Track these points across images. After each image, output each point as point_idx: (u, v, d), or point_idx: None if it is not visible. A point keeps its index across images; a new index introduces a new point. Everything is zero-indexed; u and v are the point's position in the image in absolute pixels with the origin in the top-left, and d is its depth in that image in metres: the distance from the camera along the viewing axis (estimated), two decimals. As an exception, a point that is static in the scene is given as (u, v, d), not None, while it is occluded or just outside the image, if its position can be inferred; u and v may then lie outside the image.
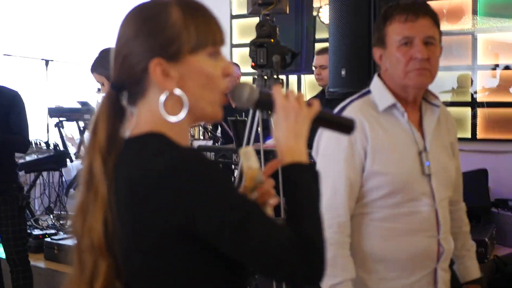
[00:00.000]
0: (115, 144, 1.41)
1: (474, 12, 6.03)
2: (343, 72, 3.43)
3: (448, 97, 6.30)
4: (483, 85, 6.11)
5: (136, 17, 1.42)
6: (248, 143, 3.81)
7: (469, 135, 6.11)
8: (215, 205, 1.29)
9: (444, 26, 6.08)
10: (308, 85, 6.96)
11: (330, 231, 1.98)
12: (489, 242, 4.87)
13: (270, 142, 4.23)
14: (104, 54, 3.79)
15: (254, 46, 3.29)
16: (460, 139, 6.16)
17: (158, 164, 1.31)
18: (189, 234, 1.31)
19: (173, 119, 1.39)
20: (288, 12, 3.37)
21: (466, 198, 5.35)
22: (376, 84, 2.28)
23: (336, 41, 3.53)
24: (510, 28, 5.92)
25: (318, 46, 6.60)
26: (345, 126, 1.57)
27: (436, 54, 2.21)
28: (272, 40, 3.25)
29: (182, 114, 1.39)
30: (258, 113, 3.76)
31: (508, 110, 5.96)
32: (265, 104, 1.49)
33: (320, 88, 5.37)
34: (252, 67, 3.35)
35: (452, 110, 6.19)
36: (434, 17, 2.20)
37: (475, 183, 5.55)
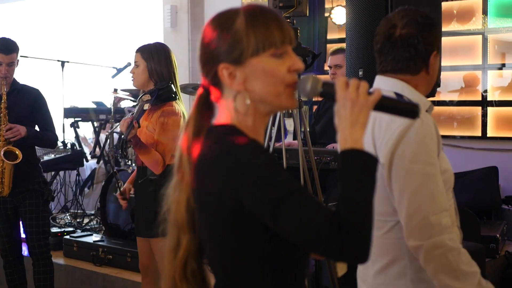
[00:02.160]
0: (200, 134, 1.63)
1: (485, 12, 6.09)
2: (360, 73, 3.50)
3: (456, 97, 6.37)
4: (493, 84, 6.18)
5: (211, 24, 1.63)
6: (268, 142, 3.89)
7: (479, 134, 6.17)
8: (258, 184, 1.46)
9: (454, 27, 6.18)
10: (319, 85, 7.01)
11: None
12: (500, 238, 4.95)
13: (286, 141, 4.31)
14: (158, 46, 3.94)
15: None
16: (471, 137, 6.26)
17: (215, 149, 1.54)
18: (239, 210, 1.49)
19: (239, 113, 1.60)
20: (310, 16, 3.44)
21: (477, 195, 5.46)
22: (406, 88, 2.23)
23: (353, 42, 3.59)
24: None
25: (329, 46, 6.70)
26: (410, 111, 1.62)
27: None
28: (294, 42, 3.33)
29: (246, 111, 1.59)
30: (278, 113, 3.83)
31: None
32: (328, 94, 1.60)
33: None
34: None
35: (462, 109, 6.28)
36: None
37: (485, 180, 5.62)
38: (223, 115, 1.63)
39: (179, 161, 1.65)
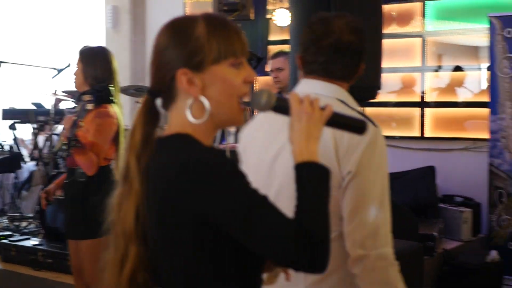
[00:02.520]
0: (148, 144, 1.59)
1: (423, 15, 6.23)
2: (302, 75, 3.53)
3: (394, 98, 6.49)
4: (431, 85, 6.33)
5: (168, 30, 1.59)
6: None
7: (417, 134, 6.31)
8: (224, 197, 1.44)
9: (394, 29, 6.30)
10: (261, 87, 7.07)
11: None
12: (438, 236, 5.08)
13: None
14: None
15: (220, 50, 3.38)
16: (409, 138, 6.40)
17: (179, 159, 1.50)
18: (205, 224, 1.46)
19: (196, 121, 1.55)
20: (253, 18, 3.46)
21: (415, 194, 5.59)
22: (347, 96, 2.24)
23: (297, 44, 3.62)
24: (457, 31, 6.15)
25: (271, 48, 6.75)
26: (358, 128, 1.67)
27: None
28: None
29: (205, 117, 1.55)
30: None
31: (454, 110, 6.18)
32: (282, 108, 1.61)
33: (276, 91, 5.48)
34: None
35: (400, 110, 6.42)
36: None
37: (423, 179, 5.76)
38: (174, 123, 1.59)
39: (125, 170, 1.59)
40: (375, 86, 3.76)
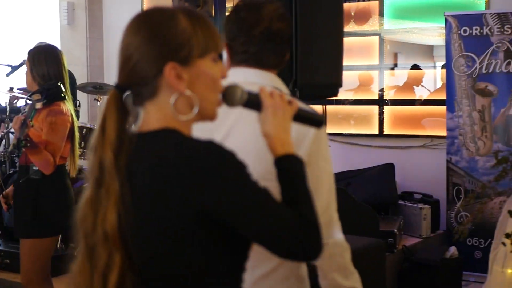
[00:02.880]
0: (125, 140, 1.49)
1: (381, 14, 6.28)
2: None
3: (352, 95, 6.53)
4: (389, 83, 6.38)
5: (145, 24, 1.52)
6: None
7: (376, 131, 6.35)
8: (236, 188, 1.42)
9: (352, 27, 6.33)
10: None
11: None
12: (398, 233, 5.13)
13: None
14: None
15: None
16: (368, 135, 6.45)
17: (177, 154, 1.43)
18: (208, 217, 1.42)
19: (184, 117, 1.50)
20: (214, 15, 3.44)
21: (375, 191, 5.63)
22: (281, 84, 2.15)
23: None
24: (415, 30, 6.21)
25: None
26: (317, 121, 1.73)
27: None
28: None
29: (194, 112, 1.51)
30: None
31: (412, 107, 6.24)
32: (253, 103, 1.62)
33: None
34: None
35: (359, 107, 6.46)
36: None
37: (383, 177, 5.81)
38: (153, 119, 1.51)
39: (98, 171, 1.47)
40: (337, 84, 3.78)
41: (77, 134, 3.92)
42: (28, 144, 3.57)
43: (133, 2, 7.58)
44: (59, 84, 3.82)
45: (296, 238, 1.45)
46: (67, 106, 3.84)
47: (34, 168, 3.73)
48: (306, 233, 1.47)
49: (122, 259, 1.46)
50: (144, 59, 1.50)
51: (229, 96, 1.58)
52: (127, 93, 1.53)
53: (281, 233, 1.45)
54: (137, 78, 1.51)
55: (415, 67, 6.28)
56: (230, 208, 1.42)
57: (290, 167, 1.56)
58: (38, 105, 3.78)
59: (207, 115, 1.56)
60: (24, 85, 5.79)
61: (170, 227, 1.43)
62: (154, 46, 1.49)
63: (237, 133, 1.96)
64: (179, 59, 1.49)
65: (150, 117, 1.52)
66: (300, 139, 2.04)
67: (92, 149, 1.50)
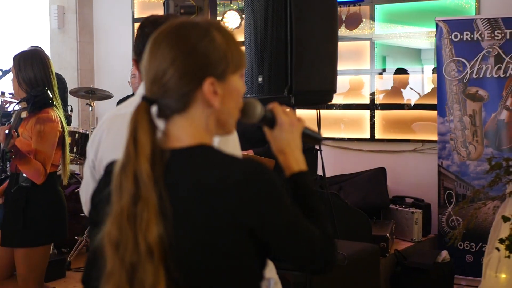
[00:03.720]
0: (157, 154, 1.45)
1: (372, 18, 6.30)
2: (260, 79, 3.53)
3: (342, 100, 6.54)
4: (380, 88, 6.40)
5: (181, 38, 1.48)
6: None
7: (368, 136, 6.37)
8: (279, 209, 1.46)
9: (343, 32, 6.36)
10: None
11: None
12: (390, 237, 5.15)
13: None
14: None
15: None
16: (359, 140, 6.47)
17: (235, 170, 1.43)
18: (253, 237, 1.45)
19: (218, 132, 1.54)
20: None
21: (367, 196, 5.64)
22: None
23: (253, 48, 3.62)
24: (405, 34, 6.24)
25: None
26: (318, 138, 1.79)
27: None
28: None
29: (227, 128, 1.55)
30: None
31: (403, 112, 6.26)
32: (269, 119, 1.63)
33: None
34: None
35: (350, 112, 6.48)
36: None
37: (374, 181, 5.83)
38: (187, 133, 1.49)
39: (134, 185, 1.41)
40: (331, 89, 3.80)
41: (67, 140, 3.84)
42: (13, 156, 3.51)
43: (123, 6, 7.57)
44: (46, 90, 3.72)
45: (322, 253, 1.51)
46: (56, 113, 3.74)
47: (24, 175, 3.67)
48: (328, 248, 1.53)
49: (166, 275, 1.40)
50: (180, 73, 1.46)
51: (249, 112, 1.58)
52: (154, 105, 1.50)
53: (311, 249, 1.50)
54: (171, 92, 1.47)
55: (405, 71, 6.31)
56: (274, 229, 1.46)
57: (306, 184, 1.60)
58: (24, 114, 3.68)
59: (229, 130, 1.56)
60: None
61: (213, 244, 1.42)
62: (192, 60, 1.47)
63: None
64: (217, 74, 1.48)
65: (181, 132, 1.49)
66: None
67: (123, 164, 1.44)
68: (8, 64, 6.39)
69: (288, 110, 1.66)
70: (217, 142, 1.94)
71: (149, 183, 1.41)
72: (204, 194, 1.42)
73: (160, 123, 1.51)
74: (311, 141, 1.78)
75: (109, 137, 2.11)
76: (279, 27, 3.50)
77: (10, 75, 6.01)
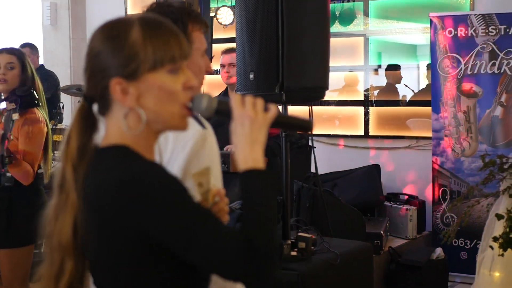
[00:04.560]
0: (85, 153, 1.50)
1: (366, 14, 6.27)
2: (251, 76, 3.50)
3: (337, 97, 6.52)
4: (374, 84, 6.37)
5: (101, 34, 1.49)
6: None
7: (362, 132, 6.34)
8: (167, 213, 1.38)
9: (337, 28, 6.32)
10: (205, 84, 6.97)
11: None
12: (384, 235, 5.12)
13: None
14: None
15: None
16: (354, 136, 6.45)
17: (118, 175, 1.42)
18: (145, 240, 1.40)
19: (132, 132, 1.48)
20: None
21: (361, 193, 5.62)
22: None
23: (244, 44, 3.57)
24: (399, 30, 6.20)
25: (215, 47, 6.68)
26: (304, 127, 1.63)
27: None
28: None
29: (141, 128, 1.48)
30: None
31: (398, 108, 6.24)
32: (224, 112, 1.54)
33: (223, 87, 5.42)
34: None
35: (344, 108, 6.45)
36: None
37: (368, 178, 5.80)
38: (111, 133, 1.51)
39: (61, 179, 1.50)
40: (323, 86, 3.76)
41: (50, 140, 3.79)
42: (13, 161, 3.49)
43: (116, 2, 7.53)
44: (32, 90, 3.70)
45: (236, 262, 1.39)
46: (41, 113, 3.72)
47: (8, 174, 3.60)
48: (249, 256, 1.39)
49: (74, 266, 1.49)
50: (96, 71, 1.48)
51: (196, 106, 1.53)
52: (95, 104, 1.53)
53: (221, 257, 1.40)
54: (94, 90, 1.50)
55: (392, 67, 6.26)
56: (167, 232, 1.39)
57: (247, 184, 1.48)
58: (15, 116, 3.64)
59: (173, 126, 1.53)
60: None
61: (112, 246, 1.44)
62: (104, 58, 1.47)
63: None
64: (126, 73, 1.46)
65: (109, 131, 1.52)
66: (178, 149, 1.99)
67: (60, 157, 1.53)
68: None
69: (250, 100, 1.52)
70: (190, 139, 1.91)
71: (70, 183, 1.48)
72: (95, 198, 1.44)
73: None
74: (296, 129, 1.64)
75: None
76: (270, 24, 3.45)
77: None
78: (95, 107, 1.53)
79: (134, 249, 1.42)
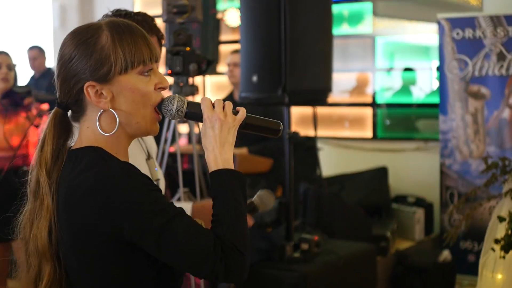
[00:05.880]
0: (59, 158, 1.53)
1: (374, 14, 6.25)
2: (254, 78, 3.51)
3: (347, 98, 6.51)
4: (383, 85, 6.35)
5: (72, 40, 1.52)
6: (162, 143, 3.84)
7: (370, 135, 6.33)
8: (138, 213, 1.42)
9: (345, 29, 6.31)
10: (211, 86, 7.01)
11: None
12: (391, 237, 5.10)
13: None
14: None
15: (171, 54, 3.34)
16: (361, 139, 6.44)
17: (88, 176, 1.45)
18: (118, 241, 1.43)
19: (106, 134, 1.52)
20: (202, 20, 3.43)
21: (368, 195, 5.62)
22: None
23: (247, 47, 3.60)
24: (407, 30, 6.19)
25: (223, 48, 6.70)
26: (273, 130, 1.64)
27: None
28: (188, 48, 3.32)
29: (115, 129, 1.52)
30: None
31: (406, 110, 6.22)
32: (194, 115, 1.58)
33: (230, 90, 5.46)
34: (169, 74, 3.40)
35: (353, 110, 6.44)
36: None
37: (376, 180, 5.78)
38: (85, 136, 1.55)
39: (36, 184, 1.53)
40: (326, 89, 3.76)
41: None
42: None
43: (125, 4, 7.55)
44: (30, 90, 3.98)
45: (207, 260, 1.43)
46: None
47: None
48: (219, 255, 1.43)
49: (52, 270, 1.51)
50: (68, 77, 1.52)
51: (166, 108, 1.55)
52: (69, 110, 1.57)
53: (189, 256, 1.43)
54: (68, 96, 1.53)
55: (408, 69, 6.26)
56: (134, 233, 1.42)
57: (217, 184, 1.52)
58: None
59: (142, 130, 1.56)
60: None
61: (84, 247, 1.47)
62: (75, 64, 1.50)
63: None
64: (98, 77, 1.49)
65: (82, 135, 1.55)
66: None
67: (34, 164, 1.55)
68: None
69: (219, 103, 1.57)
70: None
71: (45, 188, 1.51)
72: (67, 201, 1.47)
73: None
74: (265, 132, 1.63)
75: None
76: (274, 26, 3.47)
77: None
78: (68, 114, 1.57)
79: (107, 249, 1.45)
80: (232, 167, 1.54)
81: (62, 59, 1.52)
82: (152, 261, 1.47)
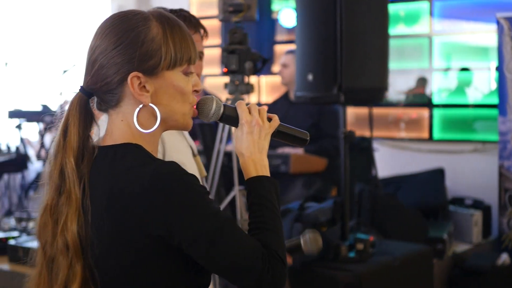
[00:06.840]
0: (86, 149, 1.43)
1: (431, 14, 6.17)
2: (309, 77, 3.51)
3: (405, 98, 6.45)
4: (440, 86, 6.27)
5: (114, 27, 1.43)
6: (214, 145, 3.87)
7: (426, 136, 6.25)
8: (191, 216, 1.36)
9: (401, 29, 6.25)
10: (266, 86, 7.04)
11: None
12: (447, 239, 5.02)
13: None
14: None
15: (226, 52, 3.37)
16: (418, 140, 6.37)
17: (143, 176, 1.36)
18: (167, 244, 1.37)
19: (146, 131, 1.44)
20: (257, 19, 3.45)
21: (425, 196, 5.55)
22: None
23: (303, 46, 3.60)
24: (465, 30, 6.09)
25: (278, 48, 6.72)
26: (300, 139, 1.62)
27: None
28: (243, 47, 3.34)
29: (155, 127, 1.45)
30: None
31: (464, 111, 6.12)
32: (230, 118, 1.55)
33: (283, 90, 5.48)
34: (224, 73, 3.43)
35: (410, 111, 6.37)
36: None
37: (432, 182, 5.70)
38: (118, 130, 1.45)
39: (59, 176, 1.41)
40: (382, 87, 3.73)
41: None
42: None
43: (181, 3, 7.63)
44: None
45: (256, 269, 1.38)
46: None
47: None
48: (266, 264, 1.39)
49: (83, 270, 1.40)
50: (109, 64, 1.42)
51: (203, 110, 1.53)
52: (93, 97, 1.47)
53: (238, 264, 1.38)
54: (102, 83, 1.43)
55: (466, 69, 6.16)
56: (185, 236, 1.36)
57: (259, 191, 1.48)
58: None
59: (180, 126, 1.50)
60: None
61: (124, 251, 1.39)
62: (120, 52, 1.42)
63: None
64: (145, 69, 1.42)
65: (114, 128, 1.47)
66: None
67: (53, 154, 1.43)
68: (70, 64, 6.55)
69: (255, 107, 1.54)
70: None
71: (73, 178, 1.39)
72: (113, 200, 1.38)
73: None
74: (293, 141, 1.62)
75: (168, 137, 2.11)
76: (329, 24, 3.47)
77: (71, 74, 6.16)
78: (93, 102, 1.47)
79: (153, 253, 1.38)
80: (269, 175, 1.52)
81: (104, 44, 1.43)
82: (191, 267, 1.42)
